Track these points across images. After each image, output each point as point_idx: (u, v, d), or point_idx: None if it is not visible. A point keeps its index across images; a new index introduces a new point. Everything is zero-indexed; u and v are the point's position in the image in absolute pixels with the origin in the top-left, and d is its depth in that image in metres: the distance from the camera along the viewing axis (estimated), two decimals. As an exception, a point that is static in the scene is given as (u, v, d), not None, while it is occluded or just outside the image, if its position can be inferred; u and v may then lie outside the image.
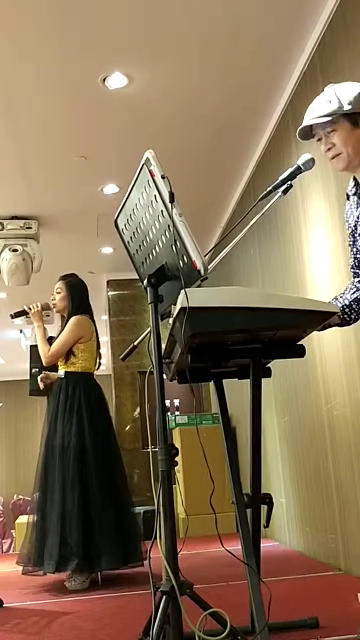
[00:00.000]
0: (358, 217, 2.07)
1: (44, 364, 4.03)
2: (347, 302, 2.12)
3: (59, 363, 4.02)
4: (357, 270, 2.16)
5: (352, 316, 2.12)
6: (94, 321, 4.12)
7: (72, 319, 4.00)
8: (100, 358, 4.12)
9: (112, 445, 3.96)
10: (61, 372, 4.00)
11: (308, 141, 2.12)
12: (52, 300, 4.17)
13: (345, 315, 2.11)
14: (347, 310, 2.11)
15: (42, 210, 5.79)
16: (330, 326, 2.11)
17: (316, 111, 2.00)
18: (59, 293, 4.14)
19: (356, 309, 2.12)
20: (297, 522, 4.39)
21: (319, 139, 2.05)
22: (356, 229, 2.08)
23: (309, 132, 2.06)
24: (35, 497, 3.87)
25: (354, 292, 2.14)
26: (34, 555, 3.69)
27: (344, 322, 2.14)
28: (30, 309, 4.09)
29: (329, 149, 2.02)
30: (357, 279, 2.16)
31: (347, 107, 1.94)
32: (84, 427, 3.81)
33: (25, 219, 5.84)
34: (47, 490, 3.78)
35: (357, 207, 2.07)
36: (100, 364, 4.13)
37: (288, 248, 4.21)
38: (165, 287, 1.97)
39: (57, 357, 3.97)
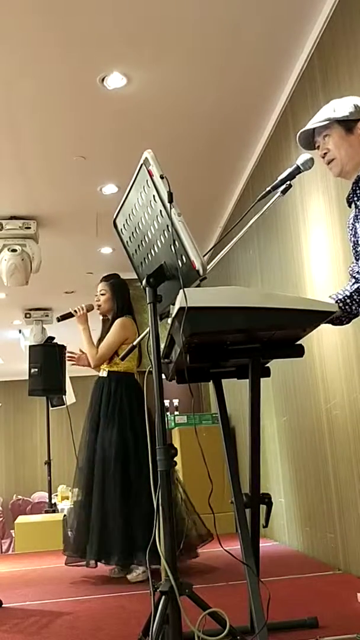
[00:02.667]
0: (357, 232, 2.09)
1: (92, 366, 4.06)
2: (348, 294, 2.15)
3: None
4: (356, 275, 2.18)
5: (353, 307, 2.13)
6: (135, 321, 4.14)
7: (118, 321, 4.02)
8: (142, 357, 4.13)
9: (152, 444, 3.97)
10: (104, 372, 4.01)
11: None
12: (97, 301, 4.17)
13: (347, 307, 2.13)
14: (348, 301, 2.13)
15: (41, 210, 5.79)
16: (329, 321, 2.11)
17: (314, 119, 2.12)
18: (103, 295, 4.14)
19: (357, 300, 2.14)
20: (296, 522, 4.39)
21: (318, 147, 2.14)
22: (358, 244, 2.10)
23: (311, 141, 2.16)
24: (77, 493, 3.90)
25: (353, 284, 2.16)
26: (78, 549, 3.75)
27: (344, 316, 2.15)
28: (75, 311, 4.09)
29: (324, 154, 2.11)
30: (355, 270, 2.18)
31: (341, 114, 2.06)
32: (126, 425, 3.84)
33: (24, 219, 5.84)
34: (88, 487, 3.80)
35: (357, 219, 2.08)
36: (141, 362, 4.15)
37: (287, 248, 4.21)
38: (164, 287, 1.97)
39: (105, 359, 4.01)
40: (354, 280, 2.17)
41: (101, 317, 4.27)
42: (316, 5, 3.34)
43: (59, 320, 4.17)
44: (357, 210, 2.08)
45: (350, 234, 2.12)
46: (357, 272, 2.17)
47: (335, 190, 3.30)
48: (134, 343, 2.66)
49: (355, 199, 2.07)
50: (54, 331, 8.16)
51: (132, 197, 2.09)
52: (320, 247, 3.61)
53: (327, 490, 3.67)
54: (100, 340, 4.10)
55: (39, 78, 3.85)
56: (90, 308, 4.14)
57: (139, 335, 4.10)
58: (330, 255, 3.43)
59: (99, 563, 3.78)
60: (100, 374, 4.05)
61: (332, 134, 2.07)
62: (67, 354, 4.27)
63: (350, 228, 2.12)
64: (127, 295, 4.20)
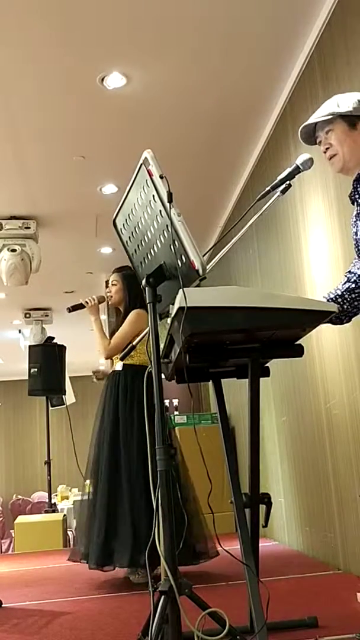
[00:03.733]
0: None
1: (104, 357, 4.01)
2: (339, 293, 2.15)
3: (116, 356, 4.00)
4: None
5: (345, 306, 2.13)
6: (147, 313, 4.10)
7: (132, 313, 3.96)
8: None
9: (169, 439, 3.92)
10: (119, 366, 4.00)
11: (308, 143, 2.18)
12: (108, 292, 4.13)
13: (338, 306, 2.12)
14: (339, 300, 2.13)
15: (40, 210, 5.79)
16: (328, 321, 2.11)
17: (317, 113, 2.09)
18: (114, 285, 4.08)
19: (349, 299, 2.14)
20: (296, 522, 4.39)
21: (320, 142, 2.11)
22: (358, 243, 2.10)
23: (312, 136, 2.13)
24: (91, 489, 3.82)
25: (344, 283, 2.17)
26: (100, 553, 3.59)
27: (343, 315, 2.14)
28: (87, 302, 4.06)
29: (326, 149, 2.08)
30: (349, 270, 2.18)
31: (345, 109, 2.03)
32: (144, 418, 3.78)
33: (23, 219, 5.84)
34: (115, 483, 3.71)
35: (358, 218, 2.08)
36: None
37: (287, 247, 4.21)
38: (163, 287, 1.97)
39: (117, 351, 3.94)
40: (345, 279, 2.17)
41: (114, 309, 4.21)
42: (315, 5, 3.34)
43: (69, 310, 4.12)
44: (359, 208, 2.07)
45: (353, 232, 2.12)
46: (349, 271, 2.18)
47: (335, 190, 3.30)
48: (134, 343, 2.66)
49: (357, 196, 2.06)
50: (54, 331, 8.17)
51: (131, 196, 2.09)
52: (319, 247, 3.61)
53: (326, 490, 3.67)
54: (114, 331, 4.05)
55: (39, 78, 3.85)
56: (101, 299, 4.10)
57: None
58: (330, 255, 3.43)
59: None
60: (116, 368, 4.01)
61: (335, 129, 2.04)
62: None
63: (353, 226, 2.11)
64: (139, 287, 4.17)
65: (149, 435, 3.73)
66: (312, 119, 2.09)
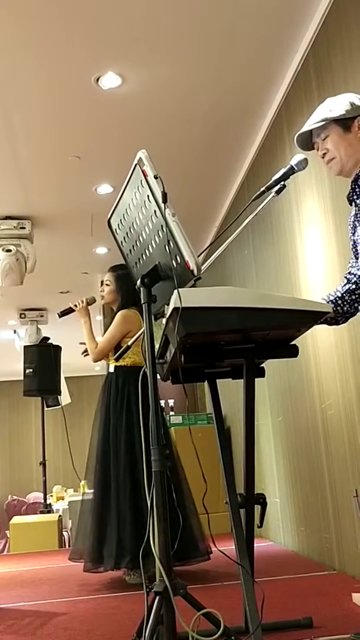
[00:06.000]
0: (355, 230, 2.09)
1: (92, 360, 4.01)
2: (339, 294, 2.15)
3: (108, 358, 3.99)
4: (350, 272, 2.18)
5: (345, 308, 2.14)
6: (141, 313, 4.09)
7: (119, 314, 3.94)
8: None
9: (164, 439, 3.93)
10: (111, 367, 3.98)
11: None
12: (101, 291, 4.13)
13: (339, 307, 2.13)
14: (339, 301, 2.14)
15: (35, 211, 5.78)
16: (324, 322, 2.11)
17: (311, 120, 2.12)
18: (108, 285, 4.07)
19: (349, 300, 2.14)
20: (291, 522, 4.40)
21: (317, 148, 2.14)
22: (356, 243, 2.10)
23: (308, 142, 2.16)
24: (93, 493, 3.84)
25: (345, 285, 2.17)
26: (94, 553, 3.64)
27: (339, 316, 2.15)
28: (76, 306, 4.06)
29: (324, 154, 2.12)
30: (348, 271, 2.18)
31: (337, 113, 2.06)
32: (133, 422, 3.79)
33: (18, 219, 5.83)
34: (104, 486, 3.74)
35: (357, 218, 2.08)
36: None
37: (282, 248, 4.21)
38: (158, 287, 1.97)
39: (104, 354, 3.94)
40: (345, 281, 2.18)
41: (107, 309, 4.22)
42: (311, 6, 3.35)
43: (60, 316, 4.13)
44: (357, 208, 2.08)
45: (351, 233, 2.12)
46: (349, 272, 2.18)
47: (330, 190, 3.30)
48: (129, 343, 2.65)
49: (355, 197, 2.07)
50: (49, 331, 8.16)
51: (126, 197, 2.09)
52: (315, 248, 3.61)
53: (322, 490, 3.68)
54: (105, 331, 4.04)
55: (34, 78, 3.84)
56: (91, 301, 4.09)
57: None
58: (325, 256, 3.44)
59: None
60: (109, 370, 4.00)
61: (331, 134, 2.07)
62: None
63: (351, 227, 2.12)
64: (132, 287, 4.15)
65: (144, 436, 3.76)
66: (307, 127, 2.12)
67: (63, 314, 4.06)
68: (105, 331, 4.10)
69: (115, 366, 3.94)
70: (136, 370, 3.94)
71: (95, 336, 4.03)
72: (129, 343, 2.66)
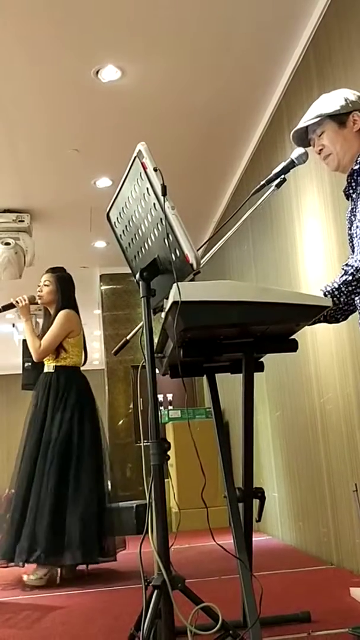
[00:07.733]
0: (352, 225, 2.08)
1: (35, 359, 3.98)
2: (336, 285, 2.14)
3: (47, 358, 3.98)
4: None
5: (342, 299, 2.12)
6: (79, 316, 4.10)
7: (61, 314, 3.96)
8: (86, 353, 4.10)
9: (97, 440, 3.94)
10: (50, 366, 3.96)
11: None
12: (39, 291, 4.08)
13: (335, 299, 2.12)
14: (336, 293, 2.12)
15: (34, 204, 5.76)
16: (319, 321, 2.10)
17: (306, 116, 2.14)
18: (47, 286, 4.07)
19: (345, 292, 2.13)
20: (289, 517, 4.40)
21: (313, 144, 2.16)
22: (353, 237, 2.10)
23: (304, 138, 2.18)
24: (14, 491, 3.87)
25: (342, 276, 2.16)
26: (8, 548, 3.65)
27: (339, 312, 2.14)
28: (17, 302, 4.01)
29: (320, 150, 2.13)
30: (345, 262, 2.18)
31: (332, 109, 2.08)
32: (74, 421, 3.80)
33: (17, 212, 5.81)
34: (26, 483, 3.79)
35: (354, 212, 2.08)
36: (87, 358, 4.10)
37: (282, 242, 4.20)
38: (157, 281, 1.96)
39: (48, 352, 3.93)
40: (342, 272, 2.17)
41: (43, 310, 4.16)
42: (310, 1, 3.33)
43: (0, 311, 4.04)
44: (353, 203, 2.07)
45: (347, 227, 2.12)
46: (346, 264, 2.17)
47: (330, 185, 3.29)
48: (127, 337, 2.63)
49: (351, 191, 2.07)
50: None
51: (125, 190, 2.08)
52: (314, 242, 3.60)
53: (320, 485, 3.68)
54: (44, 333, 4.00)
55: (34, 71, 3.82)
56: (32, 299, 4.04)
57: (82, 330, 4.08)
58: (325, 250, 3.43)
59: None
60: (46, 370, 3.97)
61: (327, 130, 2.08)
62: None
63: (348, 221, 2.11)
64: (72, 290, 4.13)
65: (90, 433, 3.80)
66: (302, 124, 2.13)
67: (4, 308, 3.96)
68: (43, 332, 4.03)
69: (56, 366, 3.92)
70: (76, 370, 3.95)
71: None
72: (128, 337, 2.63)
